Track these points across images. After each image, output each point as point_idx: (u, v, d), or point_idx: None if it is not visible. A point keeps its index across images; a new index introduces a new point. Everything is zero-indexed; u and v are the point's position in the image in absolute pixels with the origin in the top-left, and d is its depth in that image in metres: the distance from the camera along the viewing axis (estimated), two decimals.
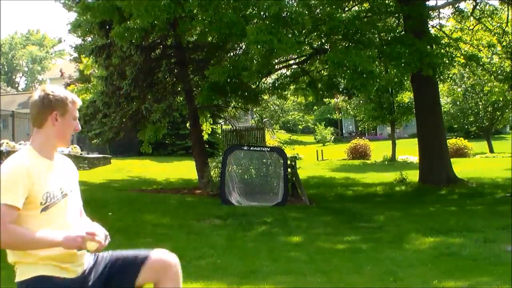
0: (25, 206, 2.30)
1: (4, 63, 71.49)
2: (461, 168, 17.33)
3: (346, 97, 21.93)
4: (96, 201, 10.17)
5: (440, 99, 17.02)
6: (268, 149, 13.48)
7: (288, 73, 16.30)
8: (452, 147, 25.63)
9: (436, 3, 16.37)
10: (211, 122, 19.78)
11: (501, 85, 19.24)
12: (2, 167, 2.31)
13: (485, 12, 16.29)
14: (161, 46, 15.58)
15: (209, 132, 19.59)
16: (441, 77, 13.61)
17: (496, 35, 16.41)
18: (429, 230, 7.81)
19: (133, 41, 12.85)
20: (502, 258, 5.89)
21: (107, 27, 14.02)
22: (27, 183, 2.29)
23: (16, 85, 73.37)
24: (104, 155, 21.41)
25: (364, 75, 10.72)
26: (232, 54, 15.50)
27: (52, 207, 2.37)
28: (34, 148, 2.43)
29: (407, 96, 24.64)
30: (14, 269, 2.42)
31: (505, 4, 15.78)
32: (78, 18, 16.30)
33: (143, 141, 17.18)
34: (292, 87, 16.48)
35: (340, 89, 15.39)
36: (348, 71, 10.97)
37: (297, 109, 54.06)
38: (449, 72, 14.51)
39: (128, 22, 11.92)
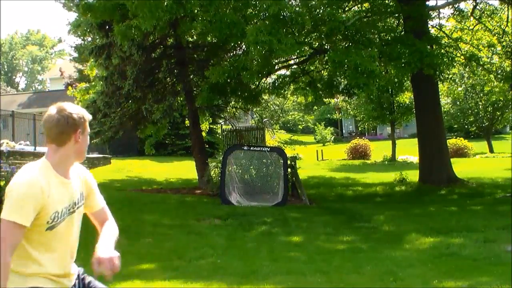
0: (31, 223, 2.25)
1: (4, 63, 71.51)
2: (461, 168, 17.33)
3: (346, 97, 21.92)
4: None
5: (440, 99, 17.02)
6: (268, 149, 13.47)
7: (288, 73, 16.30)
8: (452, 147, 25.63)
9: (436, 3, 16.38)
10: (210, 122, 19.77)
11: (501, 85, 19.25)
12: (15, 181, 2.26)
13: (485, 12, 16.31)
14: (162, 46, 15.58)
15: (207, 131, 19.57)
16: (441, 77, 13.61)
17: (496, 35, 16.42)
18: (429, 230, 7.82)
19: (134, 39, 12.85)
20: (502, 258, 5.89)
21: (107, 27, 14.03)
22: (39, 202, 2.24)
23: (16, 85, 73.40)
24: (104, 155, 21.38)
25: (365, 75, 10.72)
26: (232, 54, 15.50)
27: (57, 226, 2.34)
28: (52, 164, 2.37)
29: (407, 96, 24.63)
30: None
31: (505, 4, 15.78)
32: (78, 18, 16.32)
33: (144, 139, 17.14)
34: (292, 87, 16.48)
35: (340, 89, 15.39)
36: (349, 71, 10.97)
37: (297, 109, 54.02)
38: (449, 72, 14.51)
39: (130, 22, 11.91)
